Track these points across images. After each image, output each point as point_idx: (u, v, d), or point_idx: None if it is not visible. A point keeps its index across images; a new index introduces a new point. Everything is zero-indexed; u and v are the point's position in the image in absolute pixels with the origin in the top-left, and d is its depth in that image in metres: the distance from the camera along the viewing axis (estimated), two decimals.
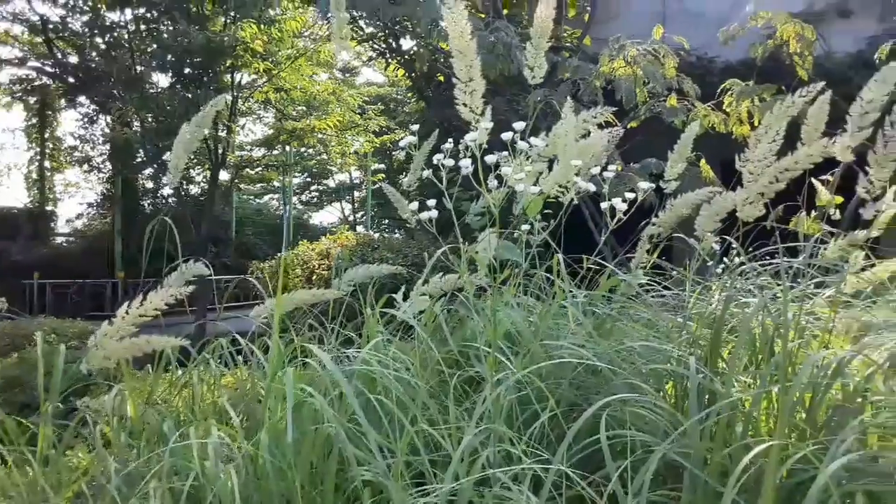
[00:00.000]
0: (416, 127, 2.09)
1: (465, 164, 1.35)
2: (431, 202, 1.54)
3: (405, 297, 2.24)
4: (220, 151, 9.66)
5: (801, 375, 1.17)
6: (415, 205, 1.64)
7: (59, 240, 16.51)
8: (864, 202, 1.60)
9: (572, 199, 1.62)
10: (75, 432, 1.94)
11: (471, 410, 1.57)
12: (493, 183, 1.79)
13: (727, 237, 2.12)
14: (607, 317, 1.82)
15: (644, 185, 1.75)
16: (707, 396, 1.48)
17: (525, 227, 1.78)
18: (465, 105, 1.28)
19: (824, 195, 3.31)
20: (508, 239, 2.10)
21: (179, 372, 2.16)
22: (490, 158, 1.38)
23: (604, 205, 1.71)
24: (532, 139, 1.37)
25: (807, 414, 1.38)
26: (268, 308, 2.19)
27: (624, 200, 1.68)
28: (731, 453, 1.18)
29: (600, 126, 1.84)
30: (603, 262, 2.01)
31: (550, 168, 1.85)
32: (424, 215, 1.52)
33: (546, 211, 2.13)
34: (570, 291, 1.93)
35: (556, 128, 1.61)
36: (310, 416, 1.38)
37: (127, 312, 1.66)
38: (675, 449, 1.20)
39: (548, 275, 1.98)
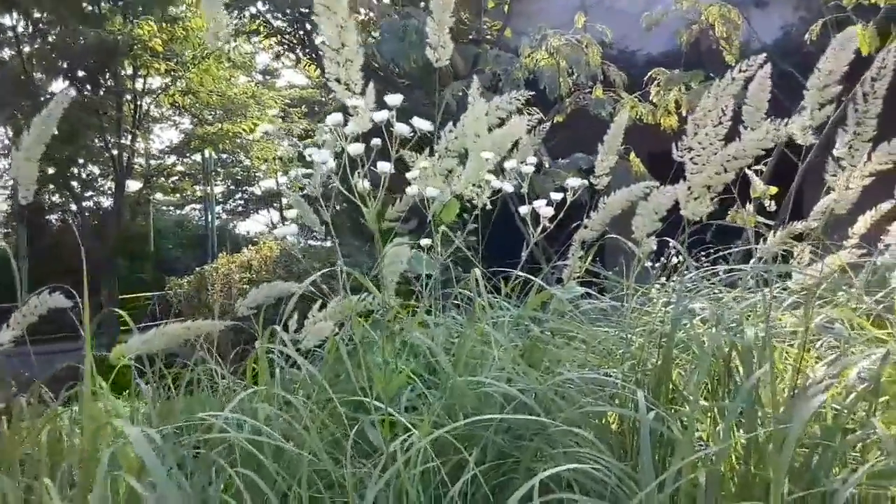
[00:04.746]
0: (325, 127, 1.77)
1: (321, 158, 1.03)
2: (291, 213, 1.22)
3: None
4: (124, 160, 9.01)
5: (794, 426, 0.91)
6: (293, 212, 1.31)
7: None
8: (830, 190, 1.37)
9: (487, 203, 1.33)
10: None
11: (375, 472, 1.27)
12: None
13: (666, 238, 1.89)
14: (537, 339, 1.54)
15: (574, 181, 1.48)
16: (660, 438, 1.21)
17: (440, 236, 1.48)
18: (337, 81, 0.97)
19: (759, 185, 3.15)
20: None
21: None
22: (375, 141, 1.06)
23: (523, 209, 1.43)
24: (416, 119, 1.06)
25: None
26: (140, 343, 1.83)
27: (549, 203, 1.39)
28: None
29: (519, 113, 1.55)
30: (530, 275, 1.73)
31: (464, 165, 1.57)
32: (280, 231, 1.20)
33: (475, 213, 1.85)
34: (496, 308, 1.65)
35: (465, 115, 1.32)
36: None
37: None
38: None
39: (466, 291, 1.70)
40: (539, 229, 1.38)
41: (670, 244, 2.04)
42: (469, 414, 1.41)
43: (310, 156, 1.08)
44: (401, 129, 0.98)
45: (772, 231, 2.85)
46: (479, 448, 1.29)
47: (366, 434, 1.31)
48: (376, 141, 1.04)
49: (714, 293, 1.74)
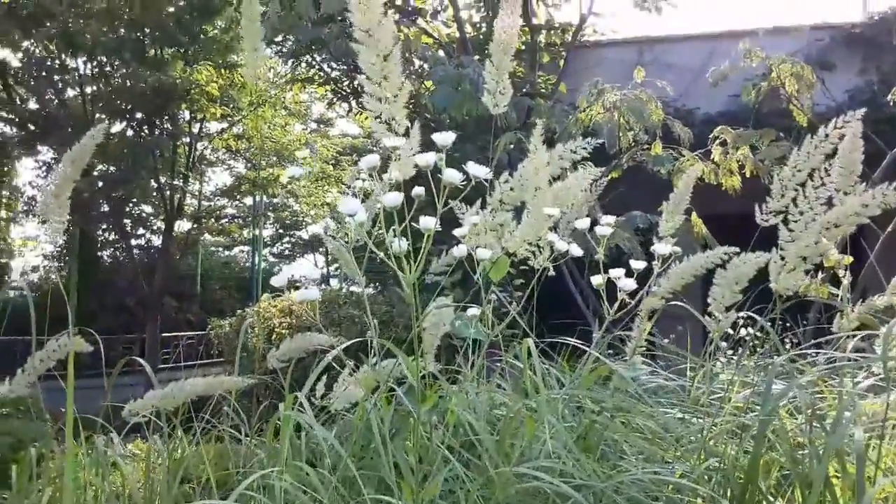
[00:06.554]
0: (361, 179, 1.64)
1: (350, 209, 0.87)
2: (307, 270, 1.07)
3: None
4: (176, 200, 9.14)
5: None
6: (312, 271, 1.17)
7: (10, 294, 15.69)
8: None
9: (547, 268, 1.15)
10: None
11: None
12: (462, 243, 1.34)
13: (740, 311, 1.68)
14: (593, 423, 1.34)
15: (663, 248, 1.29)
16: None
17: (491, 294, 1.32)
18: (378, 118, 0.83)
19: (833, 254, 2.88)
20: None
21: None
22: (418, 191, 0.91)
23: (595, 280, 1.25)
24: (472, 165, 0.90)
25: None
26: (158, 397, 1.70)
27: (629, 274, 1.21)
28: None
29: (575, 166, 1.39)
30: (583, 343, 1.54)
31: (518, 220, 1.41)
32: (300, 296, 1.05)
33: (522, 267, 1.68)
34: (548, 384, 1.46)
35: (524, 166, 1.16)
36: None
37: None
38: None
39: (515, 360, 1.51)
40: (616, 306, 1.19)
41: (740, 316, 1.83)
42: None
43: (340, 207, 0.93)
44: (451, 175, 0.83)
45: (850, 305, 2.58)
46: None
47: None
48: (419, 190, 0.89)
49: (799, 376, 1.51)
